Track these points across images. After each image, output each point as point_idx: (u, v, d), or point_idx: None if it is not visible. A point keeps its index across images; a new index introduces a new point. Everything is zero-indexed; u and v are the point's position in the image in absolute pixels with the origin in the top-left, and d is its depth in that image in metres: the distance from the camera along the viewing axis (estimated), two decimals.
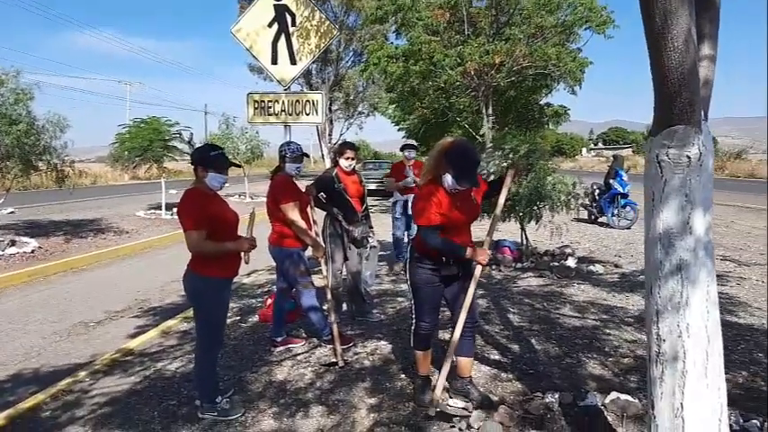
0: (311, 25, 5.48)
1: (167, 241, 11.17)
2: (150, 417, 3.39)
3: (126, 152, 13.41)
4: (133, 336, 5.10)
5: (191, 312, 5.48)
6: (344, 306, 5.25)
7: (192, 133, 14.64)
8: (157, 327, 5.23)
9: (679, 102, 1.97)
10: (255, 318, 5.36)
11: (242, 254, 3.30)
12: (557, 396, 3.28)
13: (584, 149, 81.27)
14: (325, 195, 4.88)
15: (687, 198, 2.11)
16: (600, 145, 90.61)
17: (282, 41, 5.29)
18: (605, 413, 3.17)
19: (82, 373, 4.08)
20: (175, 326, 5.23)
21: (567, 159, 61.14)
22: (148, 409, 3.48)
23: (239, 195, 19.44)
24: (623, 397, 3.23)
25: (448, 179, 3.12)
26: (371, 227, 5.12)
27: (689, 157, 2.08)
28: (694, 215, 2.12)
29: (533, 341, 4.56)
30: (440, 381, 3.23)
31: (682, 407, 2.18)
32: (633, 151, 65.22)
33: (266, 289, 6.47)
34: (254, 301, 6.02)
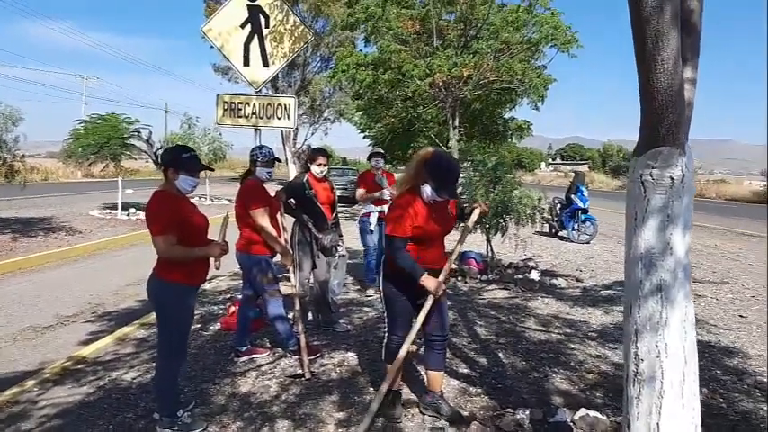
0: (285, 29, 5.38)
1: (123, 242, 10.77)
2: (105, 431, 3.20)
3: (80, 149, 12.92)
4: (86, 342, 4.85)
5: (148, 318, 5.30)
6: (310, 315, 5.14)
7: (150, 132, 14.24)
8: (112, 333, 4.98)
9: (665, 123, 1.99)
10: (217, 326, 5.18)
11: (212, 259, 3.17)
12: (527, 412, 3.26)
13: (542, 164, 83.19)
14: (294, 202, 4.77)
15: (669, 218, 2.13)
16: (558, 160, 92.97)
17: (255, 43, 5.17)
18: (575, 430, 3.17)
19: (29, 383, 3.84)
20: (132, 333, 5.00)
21: (527, 173, 62.48)
22: (102, 423, 3.29)
23: (200, 197, 18.98)
24: (592, 413, 3.24)
25: (427, 190, 3.10)
26: (341, 235, 5.04)
27: (672, 179, 2.10)
28: (675, 236, 2.14)
29: (500, 354, 4.56)
30: (406, 343, 3.22)
31: (658, 427, 2.19)
32: (589, 168, 67.22)
33: (228, 295, 6.29)
34: (215, 307, 5.83)
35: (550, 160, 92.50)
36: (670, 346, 2.17)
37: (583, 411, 3.25)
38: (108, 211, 14.29)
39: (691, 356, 2.20)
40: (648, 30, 1.87)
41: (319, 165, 4.79)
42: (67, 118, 14.41)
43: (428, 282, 3.09)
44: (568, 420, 3.23)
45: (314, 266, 4.89)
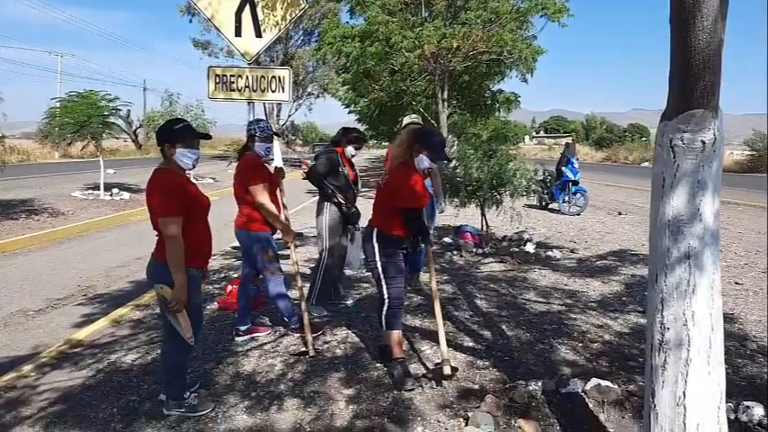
0: None
1: (108, 223, 10.55)
2: (109, 414, 3.11)
3: (58, 128, 12.53)
4: (80, 325, 4.73)
5: (142, 300, 5.19)
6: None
7: (129, 109, 13.90)
8: (107, 315, 4.87)
9: (701, 84, 1.91)
10: (215, 305, 5.09)
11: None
12: (539, 384, 3.24)
13: (526, 137, 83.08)
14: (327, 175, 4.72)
15: (699, 184, 2.06)
16: (542, 133, 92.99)
17: (247, 12, 4.94)
18: (587, 399, 3.16)
19: (26, 367, 3.73)
20: (127, 314, 4.89)
21: (512, 147, 62.45)
22: (106, 406, 3.20)
23: None
24: (603, 383, 3.23)
25: (425, 160, 3.38)
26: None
27: (704, 143, 2.02)
28: (704, 201, 2.07)
29: (504, 327, 4.53)
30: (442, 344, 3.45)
31: (684, 395, 2.16)
32: (573, 140, 67.43)
33: (224, 274, 6.18)
34: (211, 287, 5.71)
35: (534, 133, 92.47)
36: (697, 313, 2.12)
37: (594, 381, 3.24)
38: (90, 191, 13.95)
39: (717, 323, 2.16)
40: None
41: (357, 148, 4.85)
42: (42, 97, 13.96)
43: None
44: (580, 390, 3.21)
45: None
